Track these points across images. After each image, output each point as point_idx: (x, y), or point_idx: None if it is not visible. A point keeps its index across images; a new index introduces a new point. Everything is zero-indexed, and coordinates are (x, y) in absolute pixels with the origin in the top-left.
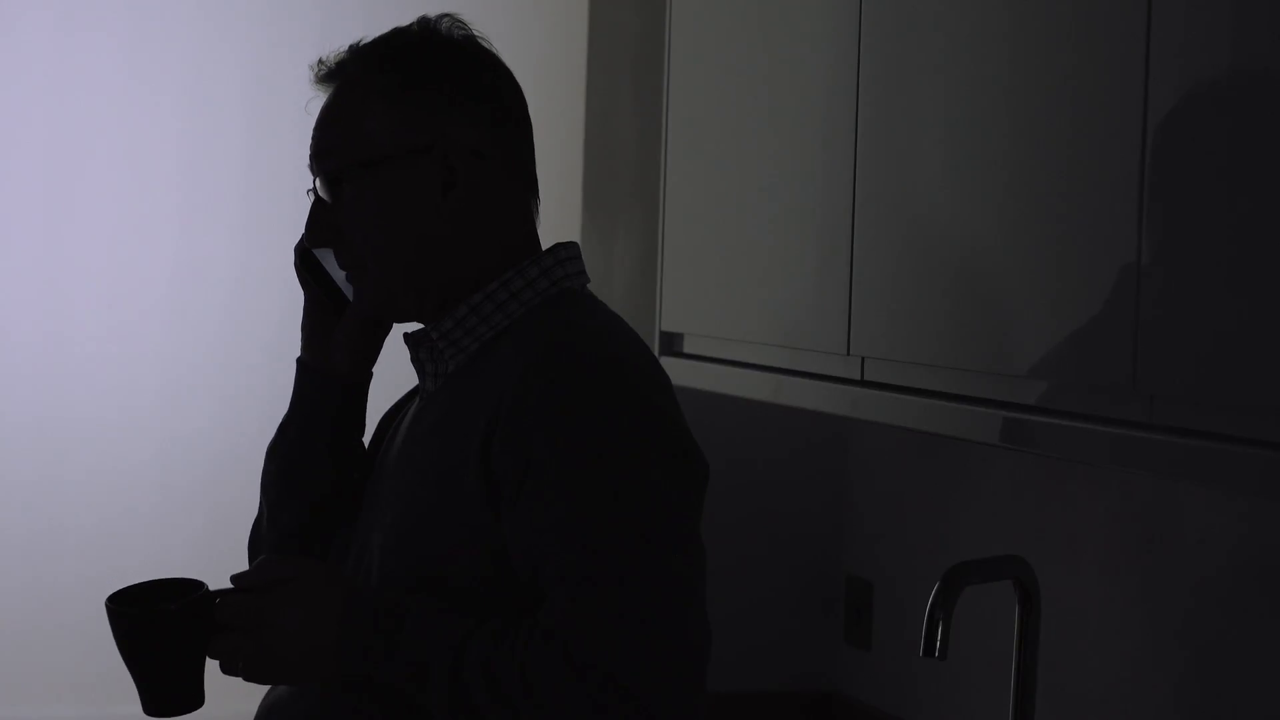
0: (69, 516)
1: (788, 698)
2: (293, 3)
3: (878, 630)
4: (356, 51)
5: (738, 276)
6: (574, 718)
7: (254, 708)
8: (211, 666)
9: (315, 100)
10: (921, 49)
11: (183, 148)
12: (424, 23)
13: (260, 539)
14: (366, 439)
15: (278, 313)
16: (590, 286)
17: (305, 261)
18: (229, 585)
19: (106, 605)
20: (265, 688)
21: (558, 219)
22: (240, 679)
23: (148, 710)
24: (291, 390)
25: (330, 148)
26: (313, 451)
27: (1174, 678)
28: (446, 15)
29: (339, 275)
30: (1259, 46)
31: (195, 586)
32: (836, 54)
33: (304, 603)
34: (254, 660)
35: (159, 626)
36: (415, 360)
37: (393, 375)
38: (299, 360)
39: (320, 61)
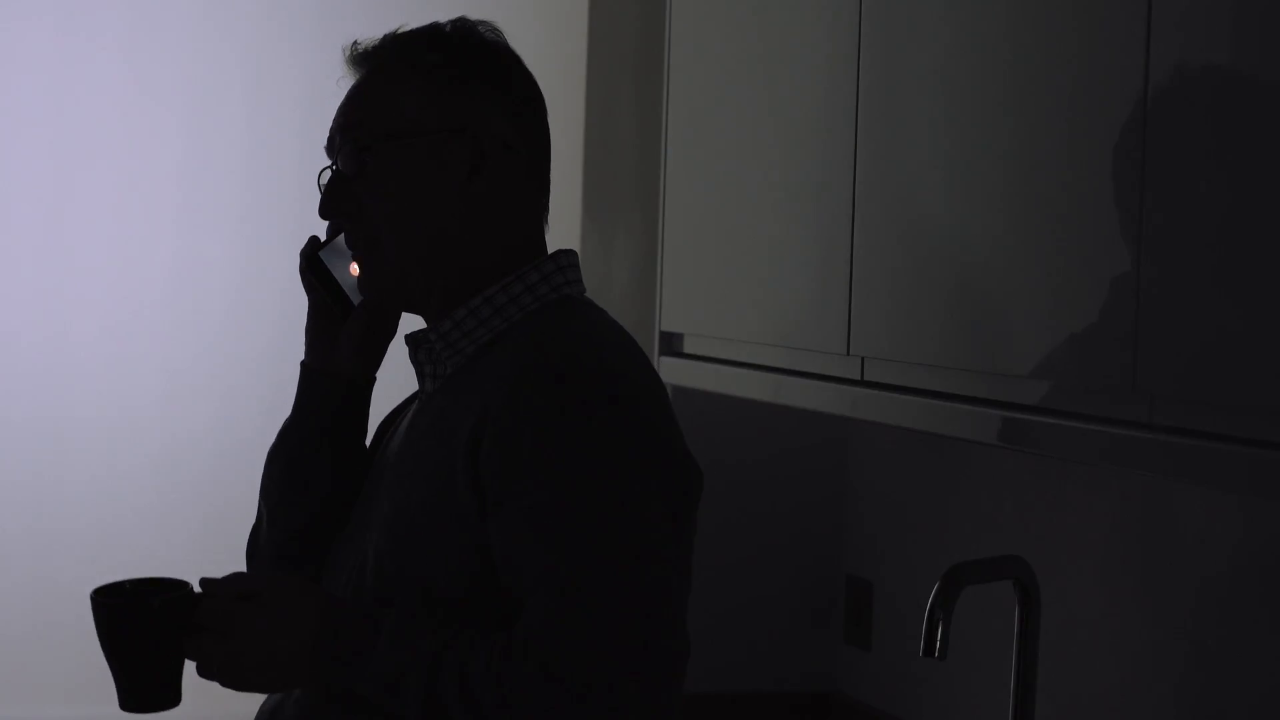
0: (69, 516)
1: (788, 698)
2: (292, 4)
3: (878, 630)
4: (395, 38)
5: (738, 276)
6: None
7: (246, 708)
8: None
9: (345, 79)
10: (921, 50)
11: (183, 149)
12: (461, 22)
13: (259, 545)
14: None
15: (277, 313)
16: (590, 287)
17: (311, 266)
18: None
19: (91, 597)
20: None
21: (558, 219)
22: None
23: (124, 705)
24: (294, 394)
25: (361, 119)
26: (315, 455)
27: (1174, 678)
28: (483, 22)
29: (345, 279)
30: (1258, 48)
31: (181, 586)
32: (836, 54)
33: (278, 612)
34: (228, 665)
35: (139, 620)
36: (415, 361)
37: (395, 379)
38: (303, 364)
39: (355, 43)
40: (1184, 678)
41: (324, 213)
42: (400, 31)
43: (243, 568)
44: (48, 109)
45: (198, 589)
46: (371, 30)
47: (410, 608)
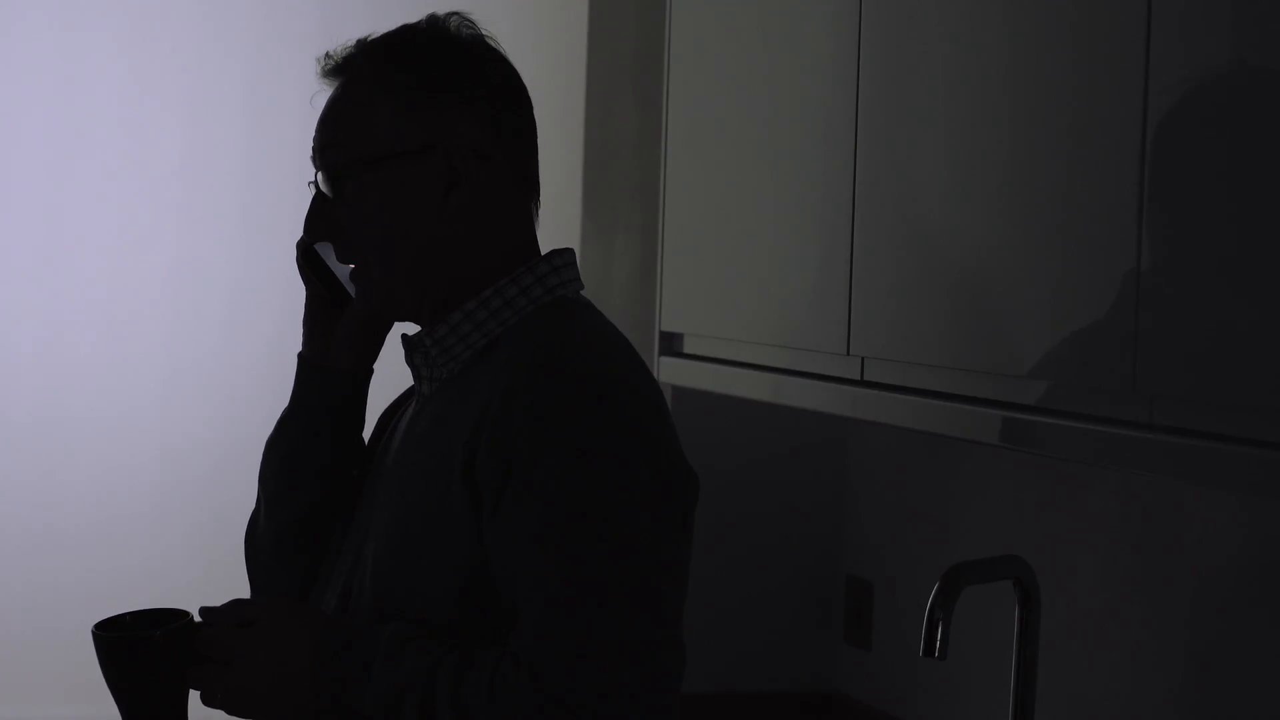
0: (69, 517)
1: (788, 698)
2: (292, 3)
3: (878, 630)
4: (364, 47)
5: (738, 276)
6: None
7: None
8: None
9: (320, 94)
10: (921, 49)
11: (183, 149)
12: (433, 21)
13: (257, 534)
14: (366, 434)
15: (277, 313)
16: (590, 286)
17: (307, 257)
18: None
19: (92, 632)
20: None
21: (558, 219)
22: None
23: None
24: (292, 386)
25: (334, 142)
26: (312, 447)
27: (1174, 678)
28: (455, 14)
29: (341, 271)
30: (1259, 47)
31: (181, 616)
32: (836, 54)
33: (275, 638)
34: (231, 692)
35: (142, 652)
36: (410, 363)
37: (393, 372)
38: (300, 355)
39: (327, 55)
40: (1184, 678)
41: (307, 234)
42: (370, 39)
43: (242, 568)
44: (48, 108)
45: (198, 618)
46: (372, 29)
47: (407, 619)
